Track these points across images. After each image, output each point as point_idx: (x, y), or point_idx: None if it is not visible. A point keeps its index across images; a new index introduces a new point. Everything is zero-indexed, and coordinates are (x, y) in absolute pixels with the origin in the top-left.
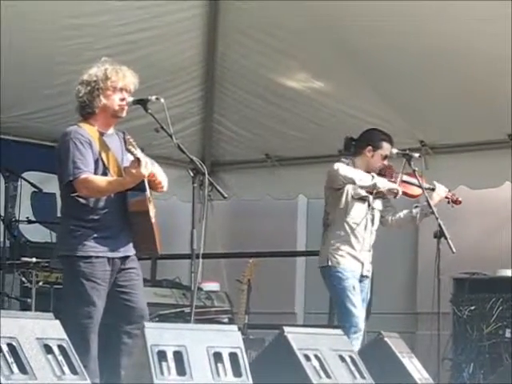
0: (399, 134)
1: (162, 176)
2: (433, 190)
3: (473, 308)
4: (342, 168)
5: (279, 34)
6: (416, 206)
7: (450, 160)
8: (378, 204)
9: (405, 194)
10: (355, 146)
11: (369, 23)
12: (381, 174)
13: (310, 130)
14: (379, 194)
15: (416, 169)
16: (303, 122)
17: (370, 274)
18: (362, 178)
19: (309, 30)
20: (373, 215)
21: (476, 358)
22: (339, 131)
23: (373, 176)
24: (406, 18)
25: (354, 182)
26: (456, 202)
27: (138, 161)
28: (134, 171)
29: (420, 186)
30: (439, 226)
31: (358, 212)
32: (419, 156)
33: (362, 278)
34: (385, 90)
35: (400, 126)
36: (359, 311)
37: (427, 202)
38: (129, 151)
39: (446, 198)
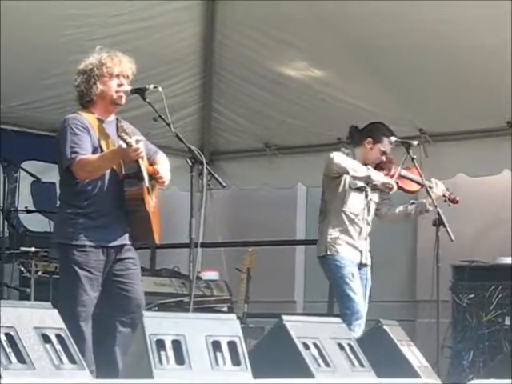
0: (398, 122)
1: (164, 170)
2: (430, 187)
3: (472, 296)
4: (338, 157)
5: (277, 22)
6: (412, 203)
7: (449, 148)
8: (375, 196)
9: (402, 189)
10: (357, 136)
11: (368, 11)
12: (380, 166)
13: (308, 119)
14: (375, 187)
15: (415, 157)
16: (302, 111)
17: (369, 263)
18: (356, 168)
19: (307, 19)
20: (369, 206)
21: (475, 346)
22: (338, 120)
23: (368, 168)
24: (405, 6)
25: (347, 172)
26: (453, 201)
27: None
28: (122, 149)
29: (419, 183)
30: (438, 214)
31: (355, 202)
32: (418, 144)
33: (362, 266)
34: (384, 79)
35: (399, 113)
36: (360, 298)
37: (430, 197)
38: (121, 138)
39: (444, 196)
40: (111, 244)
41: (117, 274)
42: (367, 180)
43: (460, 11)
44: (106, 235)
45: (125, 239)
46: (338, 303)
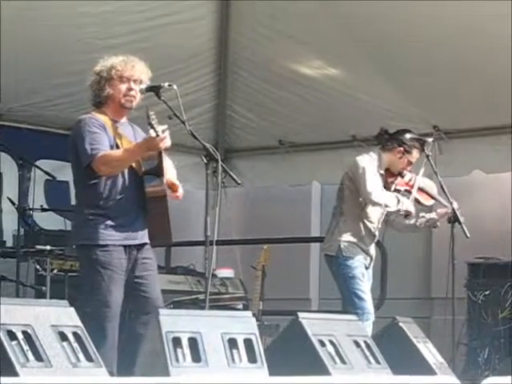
0: (412, 120)
1: (177, 184)
2: (445, 206)
3: (487, 293)
4: (375, 192)
5: (292, 20)
6: (422, 217)
7: (464, 144)
8: None
9: (417, 201)
10: (387, 142)
11: (381, 9)
12: (400, 174)
13: (323, 116)
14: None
15: (430, 154)
16: (316, 108)
17: (372, 264)
18: (390, 204)
19: (322, 17)
20: (383, 215)
21: (491, 343)
22: (352, 117)
23: (398, 200)
24: (418, 4)
25: (381, 206)
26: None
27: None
28: (149, 139)
29: (434, 198)
30: (453, 210)
31: (374, 211)
32: (433, 141)
33: (367, 268)
34: (398, 76)
35: (413, 111)
36: (369, 298)
37: (454, 215)
38: (151, 126)
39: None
40: (133, 242)
41: (136, 275)
42: (397, 211)
43: (476, 8)
44: (127, 234)
45: (145, 237)
46: (345, 303)
